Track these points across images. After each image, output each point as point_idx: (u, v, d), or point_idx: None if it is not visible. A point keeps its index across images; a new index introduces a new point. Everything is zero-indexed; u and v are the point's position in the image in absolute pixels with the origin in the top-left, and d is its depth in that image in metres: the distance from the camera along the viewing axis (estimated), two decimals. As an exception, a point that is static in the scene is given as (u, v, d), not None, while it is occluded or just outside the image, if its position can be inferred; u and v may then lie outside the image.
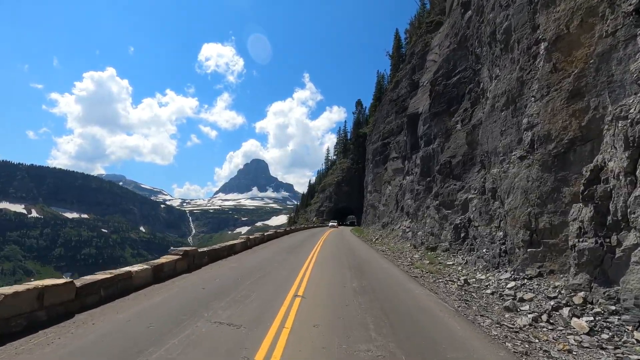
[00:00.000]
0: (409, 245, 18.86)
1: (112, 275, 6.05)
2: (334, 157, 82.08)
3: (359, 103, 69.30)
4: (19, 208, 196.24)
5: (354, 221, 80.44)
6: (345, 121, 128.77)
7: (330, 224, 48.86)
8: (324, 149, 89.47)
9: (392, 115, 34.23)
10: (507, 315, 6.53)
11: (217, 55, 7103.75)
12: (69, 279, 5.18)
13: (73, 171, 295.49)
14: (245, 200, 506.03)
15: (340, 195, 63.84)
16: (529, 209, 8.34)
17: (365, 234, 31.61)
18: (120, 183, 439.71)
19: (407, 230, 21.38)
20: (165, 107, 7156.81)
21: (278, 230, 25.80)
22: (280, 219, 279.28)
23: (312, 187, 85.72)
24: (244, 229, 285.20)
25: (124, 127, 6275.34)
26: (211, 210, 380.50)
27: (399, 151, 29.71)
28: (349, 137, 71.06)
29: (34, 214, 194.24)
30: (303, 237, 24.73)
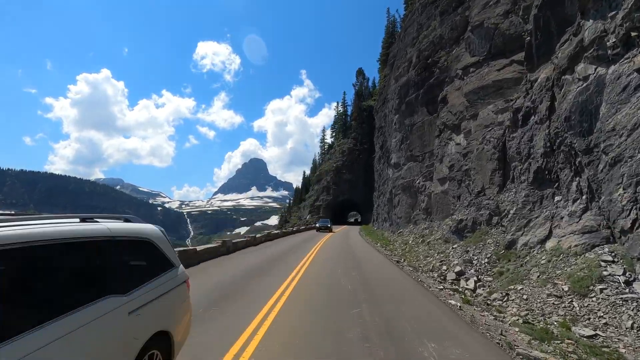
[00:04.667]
0: None
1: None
2: (332, 139, 69.06)
3: (360, 72, 56.27)
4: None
5: (358, 218, 67.92)
6: (345, 93, 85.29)
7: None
8: (320, 135, 76.47)
9: (437, 18, 23.92)
10: None
11: (213, 53, 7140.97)
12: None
13: (66, 175, 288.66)
14: (245, 200, 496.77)
15: (340, 185, 51.91)
16: None
17: (409, 256, 15.67)
18: (118, 187, 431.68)
19: None
20: (161, 109, 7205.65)
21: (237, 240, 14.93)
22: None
23: (307, 180, 73.32)
24: (243, 229, 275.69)
25: (120, 129, 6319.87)
26: (209, 211, 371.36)
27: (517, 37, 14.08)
28: (349, 113, 58.33)
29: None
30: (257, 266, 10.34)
